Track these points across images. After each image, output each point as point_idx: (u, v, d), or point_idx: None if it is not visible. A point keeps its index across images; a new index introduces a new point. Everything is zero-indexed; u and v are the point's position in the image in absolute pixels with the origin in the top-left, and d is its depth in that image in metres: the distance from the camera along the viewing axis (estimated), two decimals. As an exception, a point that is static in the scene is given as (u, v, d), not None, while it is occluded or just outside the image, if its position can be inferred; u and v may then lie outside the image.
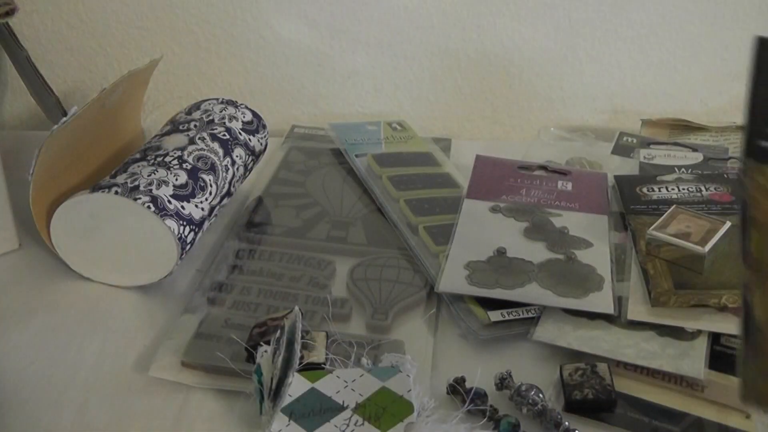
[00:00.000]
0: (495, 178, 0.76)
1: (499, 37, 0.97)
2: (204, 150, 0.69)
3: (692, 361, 0.58)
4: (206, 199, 0.67)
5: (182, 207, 0.65)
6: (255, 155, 0.77)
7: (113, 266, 0.66)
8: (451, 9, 0.96)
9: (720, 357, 0.59)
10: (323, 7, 0.96)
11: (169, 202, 0.64)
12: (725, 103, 1.02)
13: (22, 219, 0.71)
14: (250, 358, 0.55)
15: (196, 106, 0.77)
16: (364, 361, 0.56)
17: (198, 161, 0.68)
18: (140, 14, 0.96)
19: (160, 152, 0.69)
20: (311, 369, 0.54)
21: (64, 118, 0.65)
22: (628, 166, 0.85)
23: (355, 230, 0.74)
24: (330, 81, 1.00)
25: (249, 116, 0.78)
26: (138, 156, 0.69)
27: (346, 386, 0.53)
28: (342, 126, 0.92)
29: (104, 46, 0.98)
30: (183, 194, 0.65)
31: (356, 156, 0.85)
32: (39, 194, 0.66)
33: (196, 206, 0.66)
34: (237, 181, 0.74)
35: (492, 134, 1.04)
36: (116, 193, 0.63)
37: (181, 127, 0.73)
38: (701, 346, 0.59)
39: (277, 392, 0.51)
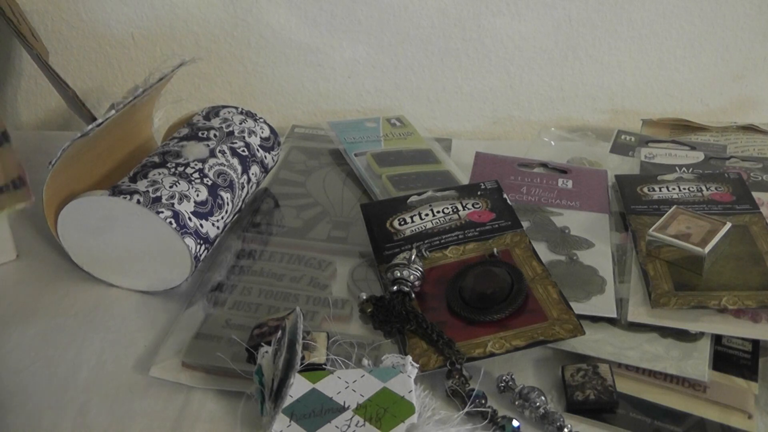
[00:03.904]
0: (495, 176, 0.76)
1: (499, 37, 0.97)
2: (224, 166, 0.69)
3: (696, 362, 0.58)
4: (222, 218, 0.67)
5: (201, 225, 0.64)
6: (266, 172, 0.77)
7: (118, 268, 0.66)
8: (451, 9, 0.96)
9: (722, 357, 0.59)
10: (323, 7, 0.96)
11: (190, 219, 0.63)
12: (725, 103, 1.02)
13: (23, 229, 0.72)
14: (251, 358, 0.55)
15: (215, 112, 0.76)
16: (365, 361, 0.56)
17: (218, 177, 0.68)
18: (140, 14, 0.96)
19: (181, 161, 0.68)
20: (312, 370, 0.54)
21: (99, 120, 0.65)
22: (627, 165, 0.85)
23: (356, 230, 0.74)
24: (330, 81, 1.00)
25: (267, 132, 0.77)
26: (157, 160, 0.68)
27: (347, 387, 0.53)
28: (341, 124, 0.92)
29: (104, 46, 0.98)
30: (202, 212, 0.65)
31: (355, 155, 0.85)
32: (54, 183, 0.65)
33: (213, 225, 0.66)
34: (248, 197, 0.73)
35: (492, 134, 1.04)
36: (138, 202, 0.62)
37: (200, 134, 0.72)
38: (704, 347, 0.59)
39: (278, 393, 0.51)
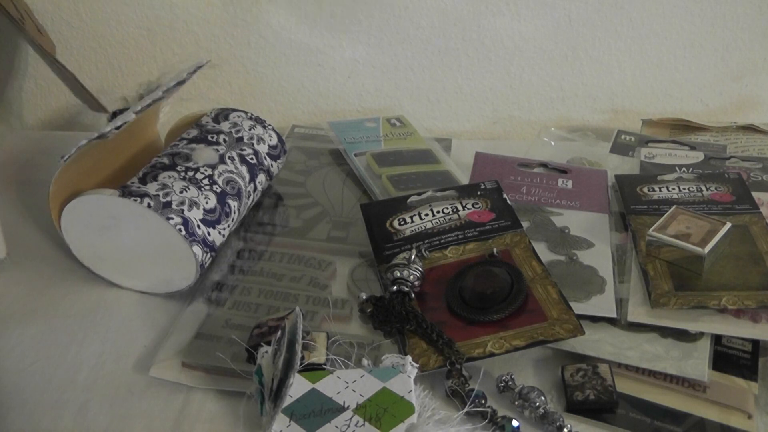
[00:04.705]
0: (495, 176, 0.76)
1: (499, 37, 0.97)
2: (233, 173, 0.69)
3: (695, 362, 0.58)
4: (228, 226, 0.67)
5: (208, 233, 0.64)
6: (271, 180, 0.77)
7: (120, 267, 0.66)
8: (451, 9, 0.96)
9: (722, 357, 0.59)
10: (323, 7, 0.96)
11: (198, 227, 0.63)
12: (725, 103, 1.02)
13: (18, 230, 0.72)
14: (251, 358, 0.55)
15: (224, 115, 0.76)
16: (364, 361, 0.56)
17: (227, 185, 0.68)
18: (140, 14, 0.96)
19: (191, 164, 0.68)
20: (312, 370, 0.54)
21: (118, 123, 0.65)
22: (627, 165, 0.85)
23: (356, 230, 0.74)
24: (330, 81, 1.00)
25: (275, 140, 0.77)
26: (166, 161, 0.68)
27: (347, 387, 0.53)
28: (341, 124, 0.92)
29: (104, 46, 0.98)
30: (211, 220, 0.65)
31: (355, 155, 0.85)
32: (60, 178, 0.65)
33: (219, 233, 0.66)
34: (251, 204, 0.74)
35: (492, 134, 1.04)
36: (149, 206, 0.62)
37: (210, 138, 0.72)
38: (704, 347, 0.59)
39: (277, 393, 0.51)
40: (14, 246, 0.70)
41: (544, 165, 0.82)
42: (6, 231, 0.71)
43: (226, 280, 0.66)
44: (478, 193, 0.73)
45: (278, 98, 1.01)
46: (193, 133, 0.73)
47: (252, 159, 0.72)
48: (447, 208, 0.71)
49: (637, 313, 0.62)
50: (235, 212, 0.68)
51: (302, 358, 0.54)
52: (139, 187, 0.64)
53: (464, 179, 0.80)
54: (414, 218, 0.71)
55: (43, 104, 1.01)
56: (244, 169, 0.71)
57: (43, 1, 0.94)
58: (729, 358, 0.59)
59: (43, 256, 0.71)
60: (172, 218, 0.62)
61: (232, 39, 0.97)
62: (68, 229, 0.66)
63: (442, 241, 0.68)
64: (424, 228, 0.70)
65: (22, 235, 0.73)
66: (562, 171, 0.81)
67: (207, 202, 0.65)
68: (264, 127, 0.77)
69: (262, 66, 0.99)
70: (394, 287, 0.62)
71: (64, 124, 1.02)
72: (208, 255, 0.64)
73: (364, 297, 0.63)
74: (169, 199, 0.63)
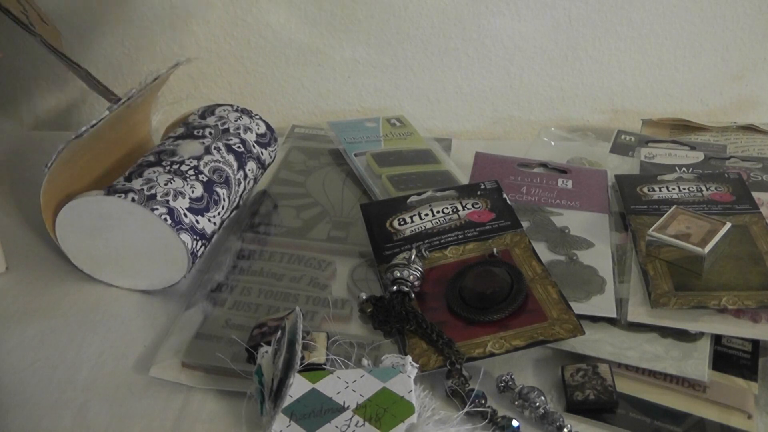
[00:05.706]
0: (495, 176, 0.76)
1: (499, 37, 0.97)
2: (219, 162, 0.69)
3: (696, 362, 0.58)
4: (218, 213, 0.67)
5: (197, 221, 0.64)
6: (264, 168, 0.77)
7: (117, 268, 0.66)
8: (451, 9, 0.96)
9: (722, 357, 0.59)
10: (323, 7, 0.96)
11: (185, 215, 0.64)
12: (725, 103, 1.02)
13: (13, 230, 0.72)
14: (251, 358, 0.55)
15: (210, 111, 0.76)
16: (364, 361, 0.56)
17: (213, 174, 0.68)
18: (140, 14, 0.96)
19: (176, 158, 0.68)
20: (312, 370, 0.54)
21: (94, 121, 0.65)
22: (627, 165, 0.85)
23: (356, 230, 0.74)
24: (330, 81, 1.00)
25: (263, 128, 0.77)
26: (152, 159, 0.68)
27: (347, 387, 0.53)
28: (341, 124, 0.92)
29: (104, 46, 0.98)
30: (198, 208, 0.65)
31: (355, 155, 0.85)
32: (51, 186, 0.65)
33: (209, 221, 0.66)
34: (245, 193, 0.74)
35: (492, 134, 1.04)
36: (133, 200, 0.62)
37: (195, 133, 0.72)
38: (704, 347, 0.59)
39: (277, 393, 0.51)
40: (13, 247, 0.70)
41: (544, 165, 0.82)
42: (5, 232, 0.71)
43: (226, 280, 0.66)
44: (478, 193, 0.73)
45: (278, 98, 1.01)
46: (180, 131, 0.74)
47: (239, 147, 0.73)
48: (447, 208, 0.71)
49: (637, 313, 0.62)
50: (225, 199, 0.68)
51: (302, 358, 0.53)
52: (124, 185, 0.64)
53: (464, 179, 0.80)
54: (414, 218, 0.71)
55: (42, 104, 1.01)
56: (231, 158, 0.71)
57: (43, 1, 0.94)
58: (729, 358, 0.59)
59: (43, 256, 0.71)
60: (157, 209, 0.62)
61: (232, 39, 0.97)
62: (64, 238, 0.66)
63: (442, 241, 0.68)
64: (424, 228, 0.70)
65: (21, 236, 0.73)
66: (562, 171, 0.81)
67: (193, 192, 0.65)
68: (251, 117, 0.77)
69: (262, 66, 0.99)
70: (394, 287, 0.62)
71: (64, 124, 1.02)
72: (199, 243, 0.64)
73: (364, 297, 0.63)
74: (153, 191, 0.63)
